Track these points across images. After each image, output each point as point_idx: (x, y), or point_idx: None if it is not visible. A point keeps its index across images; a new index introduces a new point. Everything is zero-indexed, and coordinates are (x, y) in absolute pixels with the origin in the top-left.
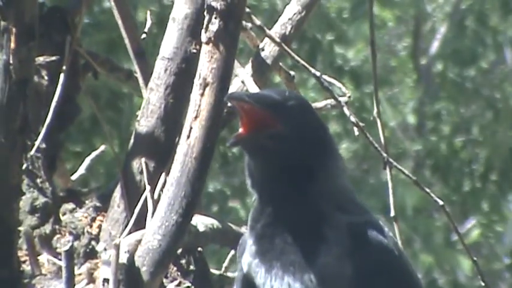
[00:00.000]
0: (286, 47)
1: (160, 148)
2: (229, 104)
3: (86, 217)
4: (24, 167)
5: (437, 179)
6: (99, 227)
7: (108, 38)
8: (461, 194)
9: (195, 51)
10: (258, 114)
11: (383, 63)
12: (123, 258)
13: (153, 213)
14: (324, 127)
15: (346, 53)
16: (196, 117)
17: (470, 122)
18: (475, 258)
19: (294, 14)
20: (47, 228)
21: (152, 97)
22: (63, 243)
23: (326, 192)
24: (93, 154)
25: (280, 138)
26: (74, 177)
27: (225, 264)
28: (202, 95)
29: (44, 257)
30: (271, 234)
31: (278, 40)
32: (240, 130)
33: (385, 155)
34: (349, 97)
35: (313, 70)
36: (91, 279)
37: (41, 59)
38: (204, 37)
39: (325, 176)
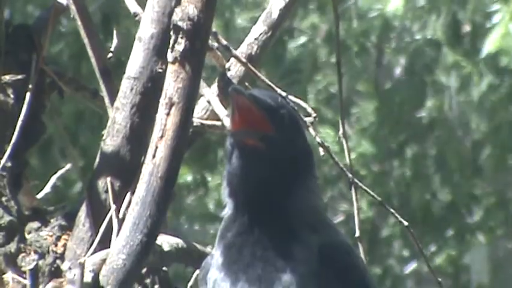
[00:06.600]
0: (252, 67)
1: (125, 167)
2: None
3: (51, 236)
4: None
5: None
6: (64, 245)
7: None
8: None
9: (161, 70)
10: (253, 114)
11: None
12: (88, 277)
13: (118, 233)
14: (308, 142)
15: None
16: (162, 136)
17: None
18: (439, 279)
19: (260, 34)
20: (12, 246)
21: (118, 116)
22: (28, 261)
23: (301, 210)
24: (59, 173)
25: (271, 141)
26: (39, 195)
27: (190, 284)
28: (168, 114)
29: (9, 276)
30: (241, 244)
31: (244, 60)
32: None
33: (350, 175)
34: (315, 117)
35: (279, 90)
36: None
37: (6, 78)
38: (170, 57)
39: (302, 193)
